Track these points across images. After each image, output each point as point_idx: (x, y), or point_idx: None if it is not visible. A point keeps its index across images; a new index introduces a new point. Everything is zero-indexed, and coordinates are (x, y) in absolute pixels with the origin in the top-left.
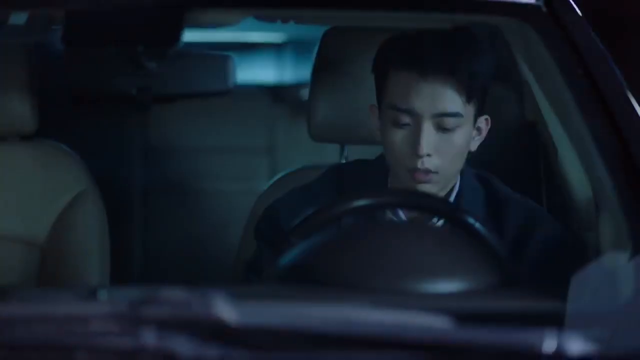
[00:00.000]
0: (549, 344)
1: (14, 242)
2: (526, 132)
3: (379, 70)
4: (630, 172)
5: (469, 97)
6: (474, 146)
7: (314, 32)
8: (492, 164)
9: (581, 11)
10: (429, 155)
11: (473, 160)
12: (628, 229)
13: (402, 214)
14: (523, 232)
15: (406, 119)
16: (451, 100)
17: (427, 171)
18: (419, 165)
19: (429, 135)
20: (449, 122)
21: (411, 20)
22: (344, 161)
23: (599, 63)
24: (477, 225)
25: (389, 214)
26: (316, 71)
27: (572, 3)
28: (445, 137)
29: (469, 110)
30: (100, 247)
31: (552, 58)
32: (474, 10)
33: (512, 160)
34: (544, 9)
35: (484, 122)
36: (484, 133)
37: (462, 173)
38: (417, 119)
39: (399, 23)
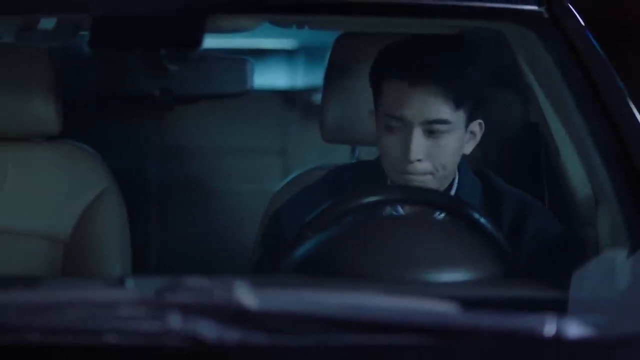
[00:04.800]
0: (549, 329)
1: (39, 239)
2: (529, 133)
3: (373, 78)
4: (628, 170)
5: (457, 104)
6: (468, 149)
7: (325, 38)
8: (497, 162)
9: (582, 17)
10: (419, 160)
11: (479, 158)
12: (625, 224)
13: (400, 209)
14: (518, 224)
15: (397, 125)
16: (439, 107)
17: (420, 174)
18: (410, 170)
19: (418, 141)
20: (438, 128)
21: (418, 26)
22: (354, 160)
23: (599, 67)
24: (482, 220)
25: (389, 209)
26: (328, 75)
27: (573, 9)
28: (435, 143)
29: (458, 117)
30: (121, 243)
31: (553, 62)
32: (478, 16)
33: (516, 158)
34: (546, 15)
35: (477, 127)
36: (479, 136)
37: (460, 168)
38: (408, 126)
39: (407, 29)
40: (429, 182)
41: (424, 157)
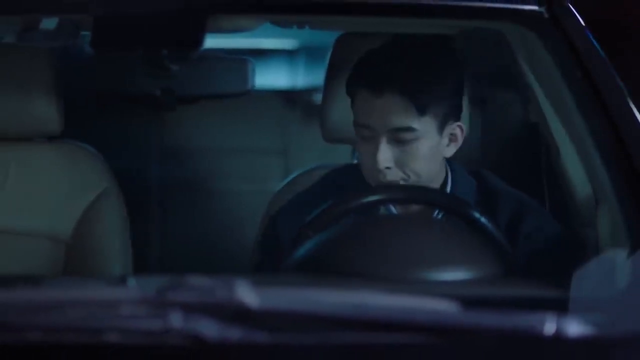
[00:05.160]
0: (549, 327)
1: (40, 238)
2: (529, 133)
3: (348, 88)
4: (628, 170)
5: (421, 111)
6: (448, 153)
7: (325, 38)
8: (497, 162)
9: (582, 17)
10: (388, 168)
11: (480, 158)
12: (625, 224)
13: (393, 208)
14: (515, 223)
15: (367, 134)
16: (402, 115)
17: (392, 182)
18: (382, 178)
19: (385, 149)
20: (404, 136)
21: (418, 26)
22: (355, 161)
23: (598, 67)
24: (482, 219)
25: (382, 209)
26: (329, 75)
27: (573, 10)
28: (404, 150)
29: (425, 123)
30: (122, 243)
31: (553, 62)
32: (478, 16)
33: (516, 158)
34: (546, 15)
35: (458, 130)
36: (460, 140)
37: (453, 168)
38: (375, 135)
39: (407, 29)
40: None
41: (393, 164)
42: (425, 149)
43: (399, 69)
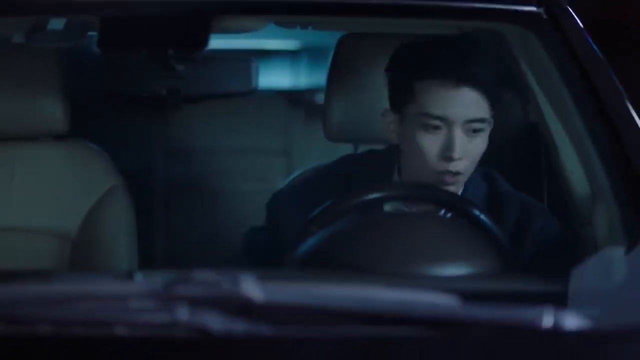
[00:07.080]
0: (547, 321)
1: (46, 236)
2: (529, 133)
3: (398, 77)
4: (626, 170)
5: (492, 102)
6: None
7: (326, 39)
8: (498, 162)
9: (582, 17)
10: (459, 158)
11: (482, 158)
12: (622, 221)
13: (403, 207)
14: (522, 225)
15: (438, 125)
16: (481, 106)
17: (457, 173)
18: (451, 168)
19: (461, 140)
20: (477, 127)
21: (419, 26)
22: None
23: (596, 67)
24: (482, 216)
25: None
26: (332, 74)
27: (571, 11)
28: (472, 141)
29: (490, 114)
30: (128, 241)
31: (552, 63)
32: (478, 17)
33: (516, 158)
34: (545, 17)
35: (492, 120)
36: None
37: None
38: (450, 125)
39: (408, 29)
40: (460, 181)
41: (463, 155)
42: (485, 141)
43: (471, 61)
